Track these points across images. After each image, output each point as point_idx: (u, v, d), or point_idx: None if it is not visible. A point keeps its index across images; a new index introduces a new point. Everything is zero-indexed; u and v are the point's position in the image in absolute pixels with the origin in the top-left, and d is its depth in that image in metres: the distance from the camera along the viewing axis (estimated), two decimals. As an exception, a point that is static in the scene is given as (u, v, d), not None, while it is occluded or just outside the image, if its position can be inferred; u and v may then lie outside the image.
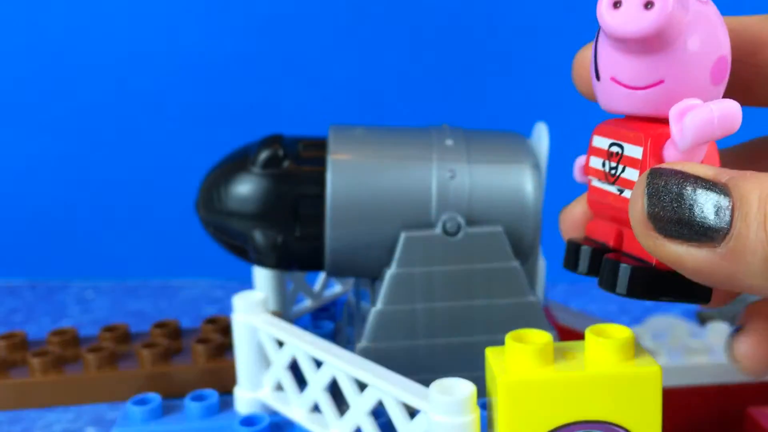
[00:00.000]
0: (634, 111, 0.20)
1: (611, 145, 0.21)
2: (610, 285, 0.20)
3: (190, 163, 0.81)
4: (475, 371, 0.29)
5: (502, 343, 0.24)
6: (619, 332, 0.24)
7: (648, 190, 0.18)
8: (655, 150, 0.19)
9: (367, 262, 0.32)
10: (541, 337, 0.24)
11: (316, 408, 0.30)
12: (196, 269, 0.79)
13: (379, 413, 0.29)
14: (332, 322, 0.41)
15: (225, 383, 0.34)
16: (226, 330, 0.36)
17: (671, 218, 0.18)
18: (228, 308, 0.34)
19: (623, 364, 0.23)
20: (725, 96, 0.20)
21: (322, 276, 0.43)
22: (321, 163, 0.32)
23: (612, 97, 0.20)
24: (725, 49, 0.19)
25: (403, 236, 0.31)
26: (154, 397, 0.33)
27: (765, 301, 0.21)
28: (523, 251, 0.32)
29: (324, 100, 0.74)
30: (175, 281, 0.78)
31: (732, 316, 0.59)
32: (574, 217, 0.24)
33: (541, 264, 0.35)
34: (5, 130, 0.79)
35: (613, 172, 0.21)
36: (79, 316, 0.71)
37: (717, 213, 0.17)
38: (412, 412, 0.25)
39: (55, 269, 0.80)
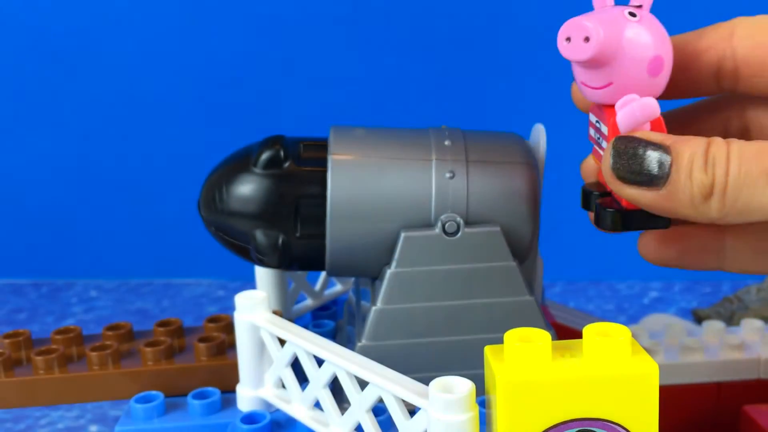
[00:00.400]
0: (601, 102, 0.27)
1: (596, 121, 0.28)
2: (600, 225, 0.28)
3: (192, 164, 0.82)
4: (474, 369, 0.29)
5: (500, 341, 0.24)
6: (617, 331, 0.24)
7: (612, 151, 0.26)
8: (614, 128, 0.26)
9: (367, 262, 0.32)
10: (540, 335, 0.24)
11: (317, 405, 0.30)
12: (198, 269, 0.80)
13: (379, 411, 0.29)
14: (333, 321, 0.41)
15: (227, 381, 0.34)
16: (228, 328, 0.37)
17: (627, 170, 0.25)
18: (230, 307, 0.34)
19: (621, 362, 0.23)
20: (680, 89, 0.28)
21: (322, 275, 0.43)
22: (322, 163, 0.32)
23: (586, 94, 0.27)
24: (660, 49, 0.26)
25: (402, 236, 0.31)
26: (157, 395, 0.33)
27: None
28: (521, 251, 0.32)
29: (325, 102, 0.74)
30: (177, 281, 0.79)
31: (728, 316, 0.60)
32: (590, 168, 0.30)
33: (539, 263, 0.35)
34: (10, 130, 0.79)
35: (598, 140, 0.28)
36: (83, 315, 0.71)
37: (660, 166, 0.25)
38: (412, 410, 0.26)
39: (59, 268, 0.80)
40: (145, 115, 0.78)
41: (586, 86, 0.27)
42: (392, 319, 0.31)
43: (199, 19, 0.75)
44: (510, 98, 0.73)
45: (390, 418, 0.29)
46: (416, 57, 0.74)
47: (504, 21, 0.73)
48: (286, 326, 0.31)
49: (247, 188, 0.32)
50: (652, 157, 0.25)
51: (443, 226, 0.31)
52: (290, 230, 0.32)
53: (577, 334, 0.26)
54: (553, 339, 0.28)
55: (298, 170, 0.32)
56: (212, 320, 0.37)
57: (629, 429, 0.24)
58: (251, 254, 0.33)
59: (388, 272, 0.31)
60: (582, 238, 0.61)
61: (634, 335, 0.28)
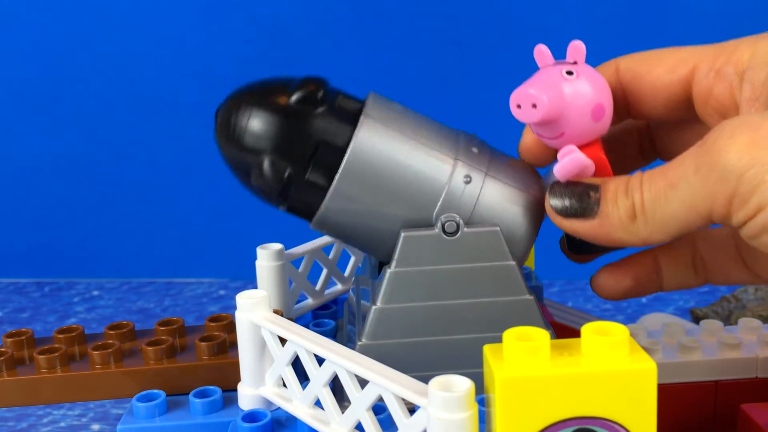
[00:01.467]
0: (558, 148, 0.31)
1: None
2: (567, 249, 0.34)
3: (194, 164, 0.82)
4: (473, 368, 0.29)
5: (499, 340, 0.25)
6: (615, 330, 0.24)
7: (551, 192, 0.30)
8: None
9: (355, 229, 0.32)
10: (539, 334, 0.24)
11: (317, 404, 0.30)
12: (199, 269, 0.80)
13: (379, 409, 0.29)
14: (333, 320, 0.41)
15: (228, 380, 0.34)
16: (229, 328, 0.37)
17: (564, 206, 0.30)
18: (231, 306, 0.34)
19: (619, 361, 0.24)
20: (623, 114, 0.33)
21: (323, 275, 0.44)
22: (352, 120, 0.32)
23: (545, 143, 0.31)
24: (600, 97, 0.30)
25: (402, 236, 0.31)
26: (159, 394, 0.34)
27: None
28: (516, 256, 0.32)
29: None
30: (179, 280, 0.79)
31: (726, 315, 0.60)
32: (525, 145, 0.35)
33: None
34: (12, 130, 0.79)
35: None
36: (85, 314, 0.71)
37: (590, 200, 0.30)
38: (412, 408, 0.26)
39: (62, 268, 0.81)
40: (146, 116, 0.78)
41: (543, 138, 0.31)
42: (392, 318, 0.32)
43: (199, 20, 0.76)
44: (507, 98, 0.73)
45: (390, 417, 0.29)
46: (416, 58, 0.74)
47: (503, 22, 0.73)
48: (286, 325, 0.31)
49: (275, 114, 0.31)
50: (584, 193, 0.30)
51: (443, 226, 0.31)
52: (300, 170, 0.32)
53: (576, 333, 0.27)
54: (551, 338, 0.28)
55: (329, 117, 0.32)
56: (213, 319, 0.38)
57: (628, 427, 0.24)
58: (251, 178, 0.32)
59: (388, 272, 0.31)
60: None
61: (632, 334, 0.28)
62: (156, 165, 0.79)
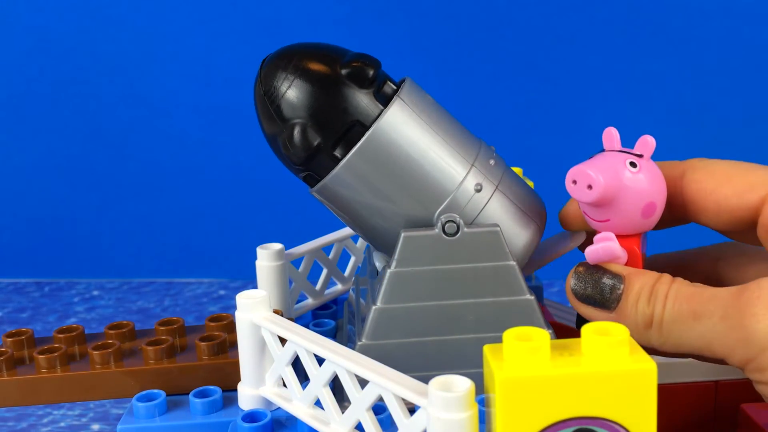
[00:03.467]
0: (599, 231, 0.31)
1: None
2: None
3: (194, 164, 0.82)
4: (474, 368, 0.29)
5: (499, 340, 0.25)
6: (615, 330, 0.24)
7: (575, 274, 0.30)
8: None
9: (351, 211, 0.32)
10: (539, 334, 0.24)
11: (317, 404, 0.30)
12: (199, 268, 0.80)
13: (379, 409, 0.29)
14: (333, 320, 0.41)
15: (228, 380, 0.34)
16: (229, 327, 0.37)
17: (584, 292, 0.30)
18: (231, 306, 0.34)
19: (619, 361, 0.24)
20: (673, 215, 0.32)
21: (323, 275, 0.44)
22: (386, 102, 0.32)
23: (588, 222, 0.31)
24: (654, 196, 0.30)
25: (402, 236, 0.31)
26: (159, 394, 0.34)
27: None
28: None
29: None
30: (179, 280, 0.79)
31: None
32: (568, 215, 0.34)
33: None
34: (13, 131, 0.79)
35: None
36: (85, 314, 0.71)
37: (611, 292, 0.29)
38: (412, 408, 0.26)
39: (62, 268, 0.81)
40: (147, 116, 0.78)
41: (588, 217, 0.31)
42: (392, 318, 0.32)
43: (200, 21, 0.76)
44: (507, 99, 0.73)
45: (390, 417, 0.29)
46: (415, 58, 0.74)
47: (504, 23, 0.73)
48: (286, 325, 0.31)
49: (321, 81, 0.31)
50: (607, 284, 0.30)
51: (443, 226, 0.31)
52: (329, 143, 0.31)
53: (576, 333, 0.27)
54: (552, 338, 0.28)
55: (372, 100, 0.31)
56: (213, 319, 0.38)
57: (628, 427, 0.24)
58: (278, 138, 0.32)
59: (388, 272, 0.31)
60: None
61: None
62: (156, 165, 0.79)
